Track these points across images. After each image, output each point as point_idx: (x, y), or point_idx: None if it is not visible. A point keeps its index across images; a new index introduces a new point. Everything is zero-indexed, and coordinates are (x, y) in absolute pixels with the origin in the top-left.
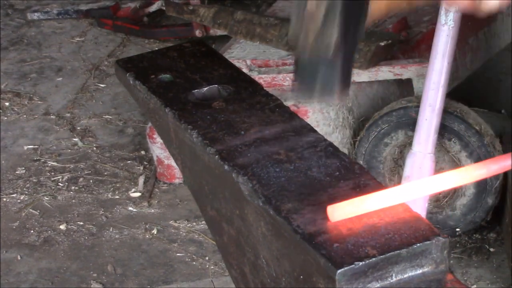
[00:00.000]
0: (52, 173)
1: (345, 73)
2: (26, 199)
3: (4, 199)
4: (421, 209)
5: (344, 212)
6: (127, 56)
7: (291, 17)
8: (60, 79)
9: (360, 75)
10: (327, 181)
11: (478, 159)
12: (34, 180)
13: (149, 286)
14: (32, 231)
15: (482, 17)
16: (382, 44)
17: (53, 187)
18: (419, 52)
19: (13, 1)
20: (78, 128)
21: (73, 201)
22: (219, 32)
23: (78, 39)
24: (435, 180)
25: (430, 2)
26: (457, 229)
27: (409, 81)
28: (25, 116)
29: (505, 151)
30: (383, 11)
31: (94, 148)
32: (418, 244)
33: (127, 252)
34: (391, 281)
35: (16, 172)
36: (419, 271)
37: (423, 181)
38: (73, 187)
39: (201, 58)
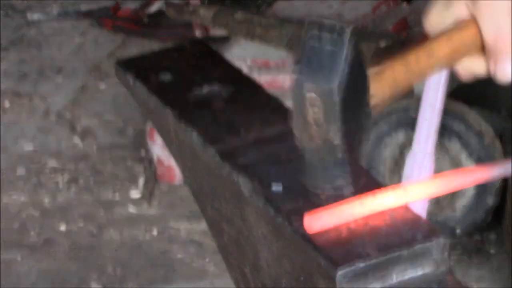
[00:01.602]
0: (52, 173)
1: (353, 163)
2: (26, 199)
3: (4, 200)
4: (421, 209)
5: (322, 222)
6: (127, 56)
7: (293, 124)
8: (60, 79)
9: None
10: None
11: (478, 159)
12: (34, 180)
13: (149, 287)
14: (32, 232)
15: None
16: (382, 44)
17: (53, 187)
18: None
19: (13, 1)
20: (78, 128)
21: (73, 201)
22: (219, 32)
23: (78, 39)
24: (415, 188)
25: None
26: (457, 230)
27: None
28: (25, 116)
29: (505, 151)
30: (387, 95)
31: (94, 148)
32: (419, 245)
33: (127, 253)
34: (392, 281)
35: (16, 172)
36: (420, 272)
37: (404, 188)
38: (73, 187)
39: (201, 58)
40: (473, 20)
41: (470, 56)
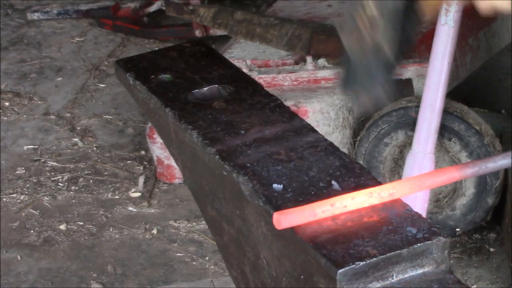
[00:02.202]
0: (52, 173)
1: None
2: (26, 199)
3: (4, 199)
4: (421, 209)
5: (291, 220)
6: (127, 56)
7: (341, 28)
8: (60, 79)
9: None
10: (327, 181)
11: (478, 159)
12: (34, 180)
13: (149, 286)
14: (32, 231)
15: (482, 16)
16: None
17: (53, 187)
18: (419, 52)
19: (13, 1)
20: (78, 128)
21: (73, 201)
22: (219, 32)
23: (78, 39)
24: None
25: None
26: (457, 229)
27: (409, 81)
28: (25, 116)
29: (505, 151)
30: (434, 10)
31: (94, 148)
32: (419, 244)
33: (127, 252)
34: (392, 281)
35: (16, 172)
36: (420, 271)
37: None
38: (73, 187)
39: (201, 58)
40: None
41: None
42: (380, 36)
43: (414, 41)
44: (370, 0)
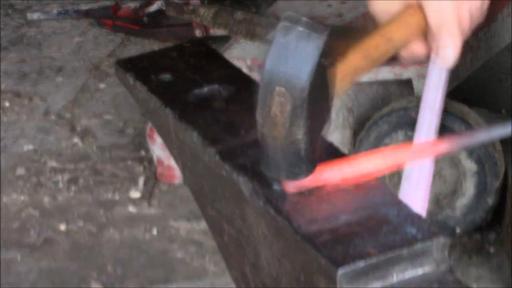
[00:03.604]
0: (52, 173)
1: (311, 153)
2: (26, 199)
3: (4, 199)
4: (421, 209)
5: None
6: (127, 56)
7: (257, 114)
8: (60, 79)
9: None
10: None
11: (478, 159)
12: (34, 180)
13: (149, 286)
14: (32, 231)
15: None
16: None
17: (53, 187)
18: None
19: (13, 1)
20: (78, 128)
21: (73, 201)
22: (219, 32)
23: (78, 39)
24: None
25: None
26: (457, 230)
27: (409, 81)
28: (25, 116)
29: (505, 151)
30: (348, 84)
31: (94, 148)
32: (419, 244)
33: (127, 252)
34: (392, 281)
35: (16, 172)
36: (420, 272)
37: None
38: (73, 187)
39: (201, 58)
40: (419, 5)
41: (414, 40)
42: (291, 124)
43: (328, 121)
44: (281, 88)
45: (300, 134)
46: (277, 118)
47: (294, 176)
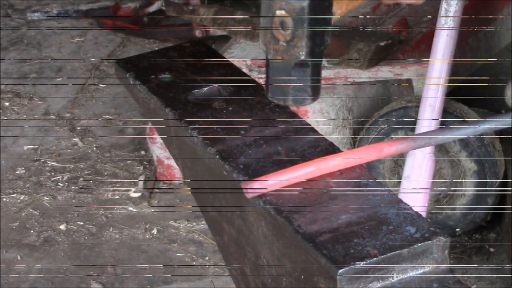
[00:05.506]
0: (52, 173)
1: (315, 76)
2: (26, 199)
3: (4, 199)
4: (421, 209)
5: (258, 187)
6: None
7: (261, 41)
8: (60, 79)
9: (360, 75)
10: (327, 181)
11: (478, 159)
12: (34, 180)
13: (149, 286)
14: (32, 231)
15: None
16: (382, 44)
17: (53, 187)
18: (419, 52)
19: (13, 1)
20: (78, 128)
21: (73, 201)
22: (219, 32)
23: (78, 39)
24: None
25: None
26: (457, 229)
27: (409, 81)
28: (25, 116)
29: (505, 151)
30: (345, 10)
31: (94, 148)
32: (419, 244)
33: (127, 252)
34: (392, 281)
35: (16, 172)
36: (420, 271)
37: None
38: (73, 187)
39: (201, 58)
40: None
41: None
42: (290, 37)
43: (327, 41)
44: (282, 11)
45: (302, 54)
46: (279, 41)
47: (300, 101)
